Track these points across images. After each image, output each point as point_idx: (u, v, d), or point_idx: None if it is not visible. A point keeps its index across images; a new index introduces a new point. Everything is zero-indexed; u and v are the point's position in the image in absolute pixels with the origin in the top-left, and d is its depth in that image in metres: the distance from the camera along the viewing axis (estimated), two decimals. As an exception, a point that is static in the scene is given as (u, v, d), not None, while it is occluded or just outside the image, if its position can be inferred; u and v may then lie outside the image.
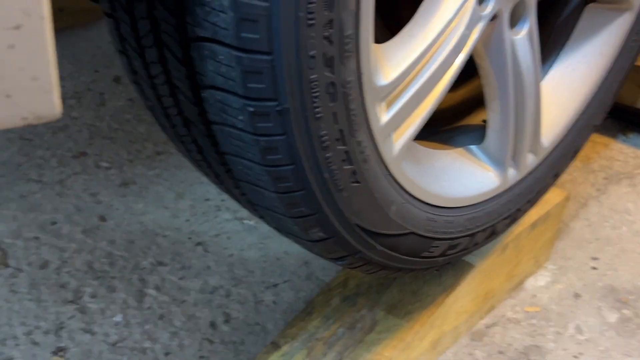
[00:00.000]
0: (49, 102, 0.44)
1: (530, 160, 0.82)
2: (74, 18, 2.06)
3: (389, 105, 0.57)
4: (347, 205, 0.56)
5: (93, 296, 1.11)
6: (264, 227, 1.24)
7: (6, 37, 0.41)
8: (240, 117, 0.49)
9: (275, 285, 1.13)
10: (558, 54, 0.84)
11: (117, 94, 1.70)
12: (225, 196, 1.32)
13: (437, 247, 0.71)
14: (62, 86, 1.74)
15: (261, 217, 0.62)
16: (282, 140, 0.48)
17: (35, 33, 0.42)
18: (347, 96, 0.50)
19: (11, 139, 1.53)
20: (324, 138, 0.50)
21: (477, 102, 0.86)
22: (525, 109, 0.75)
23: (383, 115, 0.56)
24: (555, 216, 1.08)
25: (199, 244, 1.21)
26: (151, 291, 1.11)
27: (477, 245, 0.80)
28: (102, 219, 1.28)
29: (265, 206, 0.55)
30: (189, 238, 1.22)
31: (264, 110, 0.48)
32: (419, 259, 0.70)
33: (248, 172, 0.52)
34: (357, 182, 0.55)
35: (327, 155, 0.51)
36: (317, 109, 0.49)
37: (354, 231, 0.58)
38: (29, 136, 1.54)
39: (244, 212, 1.28)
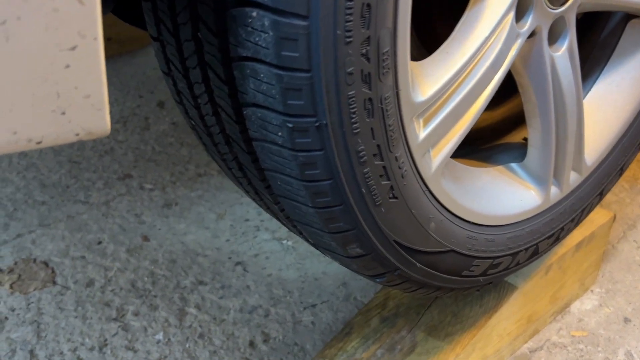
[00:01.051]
0: (100, 119, 0.47)
1: (573, 179, 0.80)
2: (121, 46, 2.15)
3: (427, 122, 0.58)
4: (385, 221, 0.56)
5: (136, 314, 1.13)
6: (303, 247, 1.25)
7: (63, 57, 0.43)
8: (280, 134, 0.50)
9: (313, 306, 1.13)
10: (601, 70, 0.83)
11: (160, 118, 1.76)
12: (264, 216, 1.34)
13: (478, 266, 0.70)
14: (110, 111, 1.80)
15: (300, 233, 0.63)
16: (320, 155, 0.49)
17: (89, 53, 0.44)
18: (384, 112, 0.51)
19: (61, 162, 1.58)
20: (361, 153, 0.51)
21: (517, 120, 0.85)
22: (567, 127, 0.74)
23: (420, 132, 0.57)
24: (601, 237, 1.05)
25: (238, 263, 1.23)
26: (192, 310, 1.13)
27: (519, 265, 0.79)
28: (146, 238, 1.31)
29: (304, 222, 0.56)
30: (229, 258, 1.24)
31: (303, 126, 0.49)
32: (459, 277, 0.69)
33: (287, 187, 0.53)
34: (395, 197, 0.55)
35: (365, 170, 0.52)
36: (354, 125, 0.49)
37: (393, 247, 0.58)
38: (77, 159, 1.59)
39: (282, 232, 1.29)
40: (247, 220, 1.34)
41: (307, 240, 0.61)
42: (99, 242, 1.30)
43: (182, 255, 1.25)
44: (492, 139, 0.85)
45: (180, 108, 0.68)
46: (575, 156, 0.78)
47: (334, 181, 0.51)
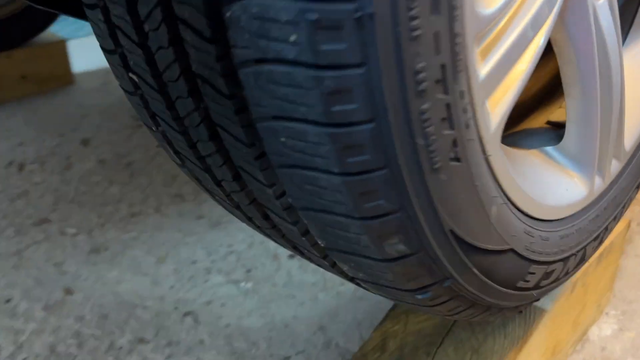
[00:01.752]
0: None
1: (614, 166, 0.64)
2: (38, 86, 1.88)
3: (485, 55, 0.39)
4: (443, 196, 0.36)
5: (55, 388, 0.85)
6: (265, 289, 1.02)
7: None
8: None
9: (287, 358, 0.89)
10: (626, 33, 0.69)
11: (85, 156, 1.50)
12: (215, 256, 1.10)
13: (534, 274, 0.51)
14: (23, 151, 1.53)
15: (303, 234, 0.41)
16: (358, 75, 0.29)
17: None
18: (450, 8, 0.32)
19: (-40, 209, 1.29)
20: (420, 75, 0.31)
21: (540, 99, 0.69)
22: (612, 95, 0.58)
23: (480, 66, 0.38)
24: (618, 248, 0.89)
25: (187, 314, 0.97)
26: (131, 376, 0.86)
27: (567, 275, 0.60)
28: (68, 291, 1.03)
29: (321, 205, 0.34)
30: (175, 308, 0.99)
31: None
32: (513, 291, 0.50)
33: (299, 140, 0.32)
34: (458, 159, 0.36)
35: (424, 106, 0.32)
36: (414, 22, 0.30)
37: (447, 242, 0.38)
38: (-19, 205, 1.30)
39: (238, 274, 1.05)
40: (194, 262, 1.09)
41: (324, 239, 0.39)
42: (7, 300, 1.01)
43: (116, 308, 0.99)
44: (510, 125, 0.67)
45: (156, 137, 0.46)
46: (617, 137, 0.62)
47: (377, 125, 0.31)
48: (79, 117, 1.72)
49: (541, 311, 0.73)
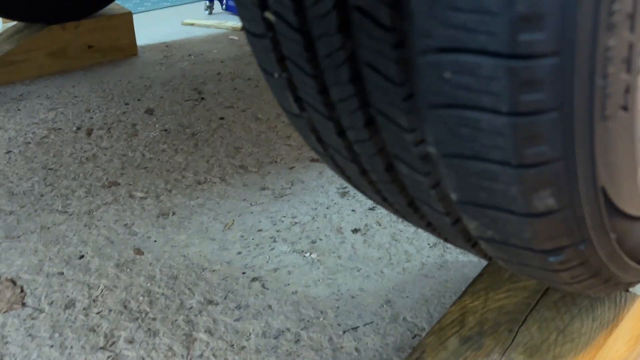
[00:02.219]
0: None
1: None
2: (102, 56, 1.90)
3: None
4: (605, 148, 0.33)
5: (130, 341, 0.85)
6: (330, 261, 1.00)
7: None
8: None
9: (354, 329, 0.87)
10: None
11: (150, 125, 1.50)
12: (280, 226, 1.09)
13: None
14: (90, 118, 1.54)
15: (451, 172, 0.38)
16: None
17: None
18: None
19: (34, 169, 1.31)
20: (615, 5, 0.28)
21: None
22: None
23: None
24: None
25: (255, 279, 0.96)
26: (202, 335, 0.86)
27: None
28: (139, 252, 1.03)
29: (476, 145, 0.32)
30: (243, 273, 0.98)
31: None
32: (636, 265, 0.47)
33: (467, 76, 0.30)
34: (626, 108, 0.33)
35: (610, 43, 0.29)
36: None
37: (596, 201, 0.36)
38: (53, 166, 1.32)
39: (303, 244, 1.04)
40: (260, 230, 1.08)
41: (466, 192, 0.36)
42: (81, 257, 1.02)
43: (185, 270, 0.99)
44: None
45: (278, 84, 0.44)
46: None
47: (560, 59, 0.29)
48: (142, 88, 1.73)
49: (633, 296, 0.69)
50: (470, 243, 0.44)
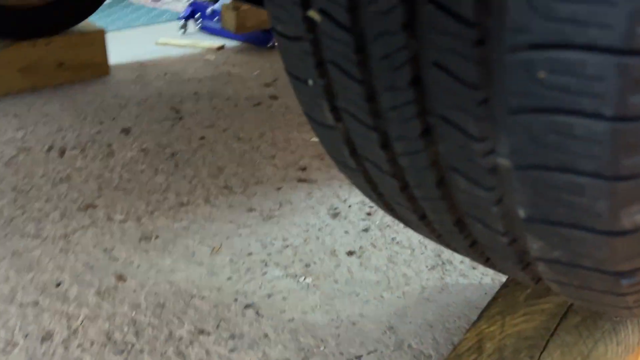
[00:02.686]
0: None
1: None
2: (74, 73, 1.82)
3: None
4: None
5: (116, 377, 0.78)
6: (326, 286, 0.95)
7: None
8: None
9: (358, 358, 0.82)
10: None
11: (127, 144, 1.43)
12: (271, 249, 1.03)
13: None
14: (62, 137, 1.46)
15: (526, 185, 0.34)
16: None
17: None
18: None
19: (2, 190, 1.22)
20: None
21: None
22: None
23: None
24: None
25: (248, 306, 0.90)
26: (195, 368, 0.79)
27: None
28: (121, 278, 0.96)
29: (564, 154, 0.27)
30: (235, 300, 0.92)
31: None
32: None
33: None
34: None
35: None
36: None
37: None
38: (23, 187, 1.23)
39: (296, 269, 0.99)
40: (249, 254, 1.03)
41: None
42: (58, 284, 0.94)
43: (172, 297, 0.92)
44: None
45: (312, 91, 0.39)
46: None
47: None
48: (117, 107, 1.65)
49: (652, 317, 0.66)
50: (521, 265, 0.40)
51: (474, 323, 0.71)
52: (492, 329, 0.69)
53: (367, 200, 1.18)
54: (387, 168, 0.39)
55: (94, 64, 1.86)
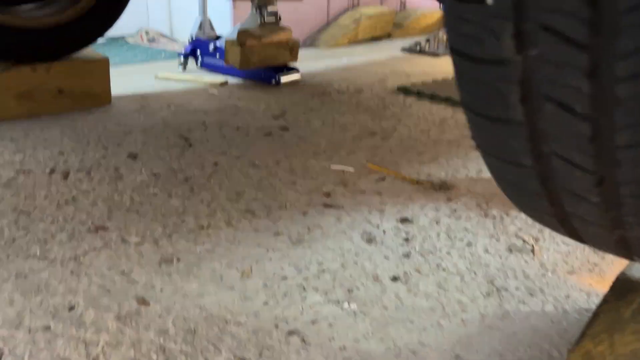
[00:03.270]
0: None
1: None
2: (74, 101, 1.72)
3: None
4: None
5: (149, 412, 0.65)
6: (374, 313, 0.84)
7: None
8: None
9: (426, 389, 0.71)
10: None
11: (135, 169, 1.32)
12: (307, 273, 0.92)
13: None
14: (64, 160, 1.34)
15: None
16: None
17: None
18: None
19: (2, 210, 1.09)
20: None
21: None
22: None
23: None
24: None
25: (291, 333, 0.79)
26: (241, 402, 0.67)
27: None
28: (143, 302, 0.84)
29: None
30: (276, 326, 0.80)
31: None
32: None
33: None
34: None
35: None
36: None
37: None
38: (25, 208, 1.11)
39: (338, 294, 0.88)
40: (284, 278, 0.91)
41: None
42: (71, 308, 0.81)
43: (204, 323, 0.80)
44: None
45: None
46: None
47: None
48: (121, 133, 1.55)
49: None
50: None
51: (578, 342, 0.61)
52: (600, 349, 0.60)
53: (401, 226, 1.09)
54: (596, 200, 0.31)
55: (95, 92, 1.77)
